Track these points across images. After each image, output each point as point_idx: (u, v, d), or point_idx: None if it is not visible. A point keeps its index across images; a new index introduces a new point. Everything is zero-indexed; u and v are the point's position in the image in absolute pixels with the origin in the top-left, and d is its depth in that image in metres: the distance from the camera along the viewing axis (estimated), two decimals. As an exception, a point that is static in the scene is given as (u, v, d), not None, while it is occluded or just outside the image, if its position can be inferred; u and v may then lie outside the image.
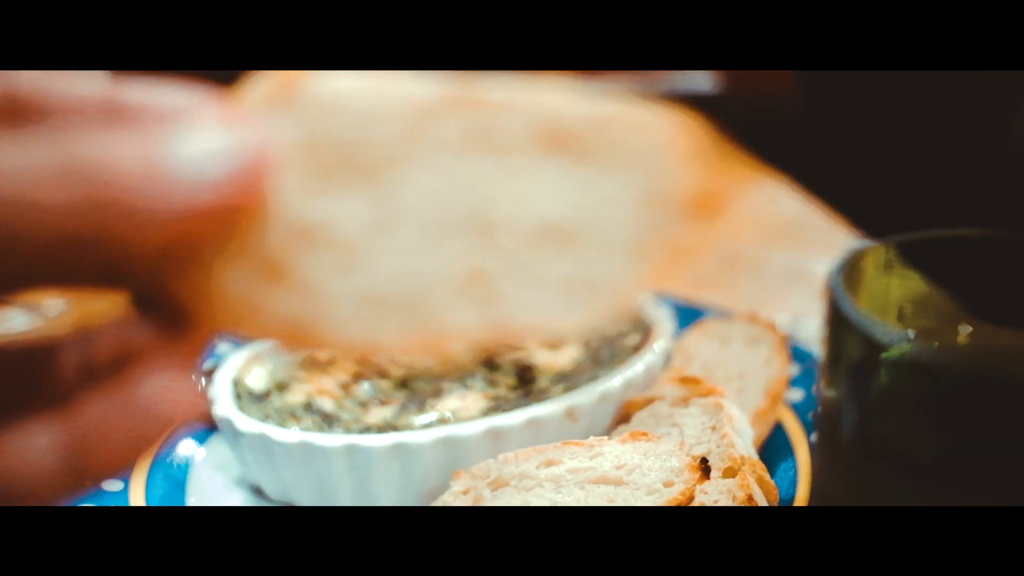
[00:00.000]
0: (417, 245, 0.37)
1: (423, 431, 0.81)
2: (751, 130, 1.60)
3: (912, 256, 0.60)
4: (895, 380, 0.53)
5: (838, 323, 0.55)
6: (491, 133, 0.38)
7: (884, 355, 0.52)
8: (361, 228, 0.37)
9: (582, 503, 0.72)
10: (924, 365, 0.52)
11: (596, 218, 0.39)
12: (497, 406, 0.84)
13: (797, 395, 0.91)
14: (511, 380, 0.88)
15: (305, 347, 0.42)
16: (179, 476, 0.88)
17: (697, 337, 0.95)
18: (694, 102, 1.60)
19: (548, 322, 0.38)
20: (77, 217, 0.32)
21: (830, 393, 0.57)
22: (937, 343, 0.53)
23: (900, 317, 0.61)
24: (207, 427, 0.92)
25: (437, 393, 0.87)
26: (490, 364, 0.90)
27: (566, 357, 0.91)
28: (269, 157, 0.36)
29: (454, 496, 0.78)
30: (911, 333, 0.54)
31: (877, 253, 0.59)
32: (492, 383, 0.87)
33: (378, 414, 0.85)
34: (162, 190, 0.33)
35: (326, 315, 0.38)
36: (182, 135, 0.34)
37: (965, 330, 0.60)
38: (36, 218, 0.32)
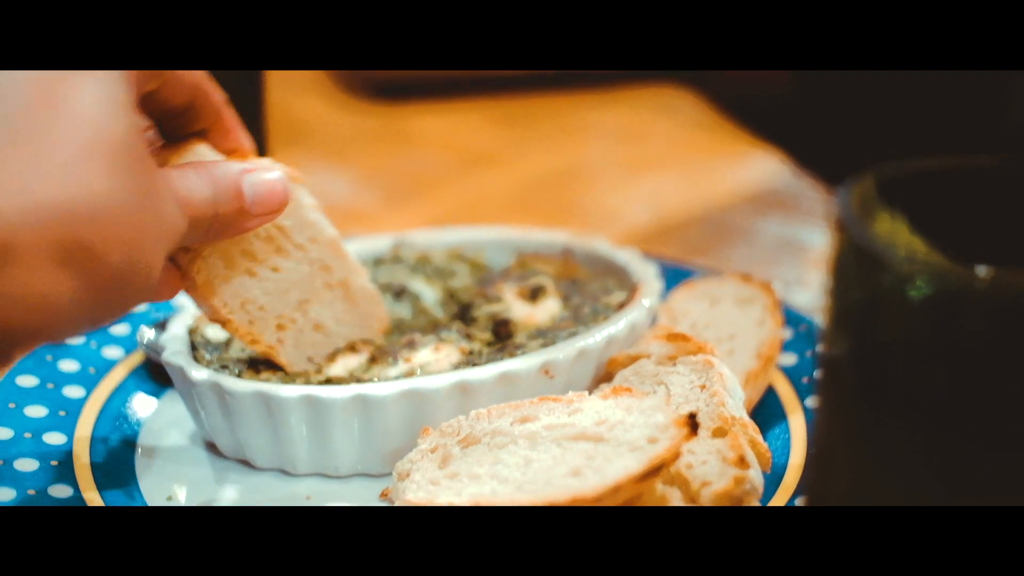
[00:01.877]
0: None
1: (386, 383, 0.75)
2: (744, 102, 1.56)
3: (906, 193, 0.54)
4: (914, 320, 0.48)
5: (853, 258, 0.49)
6: None
7: (915, 290, 0.46)
8: None
9: (559, 461, 0.66)
10: (954, 302, 0.46)
11: None
12: (470, 361, 0.79)
13: (790, 359, 0.86)
14: (487, 335, 0.82)
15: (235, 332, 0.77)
16: (129, 433, 0.82)
17: (685, 296, 0.89)
18: (689, 78, 1.56)
19: None
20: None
21: (835, 340, 0.51)
22: (962, 279, 0.47)
23: (912, 257, 0.55)
24: (159, 382, 0.86)
25: (410, 345, 0.81)
26: (465, 317, 0.85)
27: (545, 312, 0.85)
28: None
29: (421, 454, 0.72)
30: (934, 268, 0.48)
31: (878, 196, 0.54)
32: (468, 337, 0.82)
33: (344, 365, 0.79)
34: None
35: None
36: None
37: (982, 270, 0.54)
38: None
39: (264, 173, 0.68)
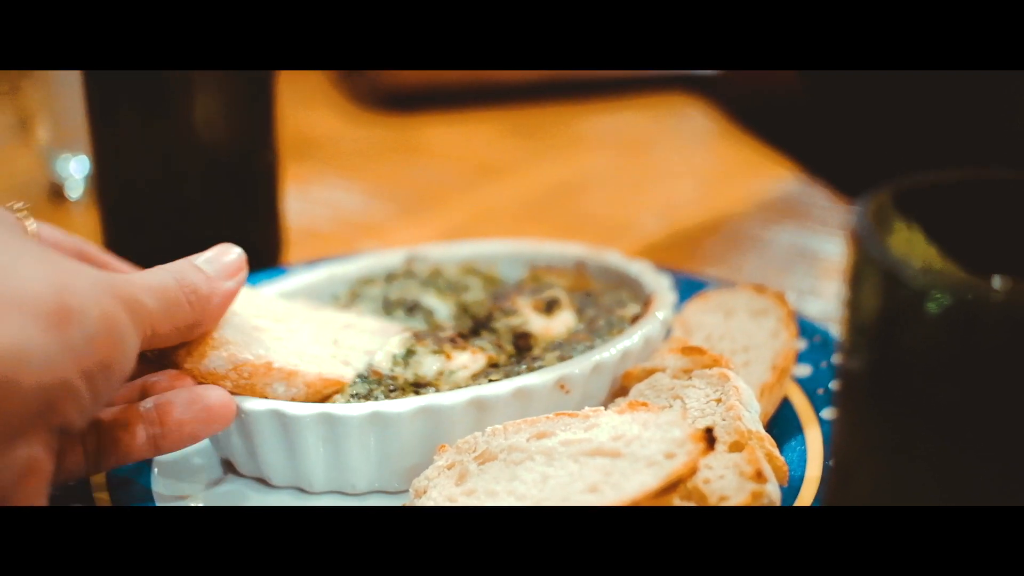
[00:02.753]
0: None
1: (402, 400, 0.75)
2: (755, 111, 1.56)
3: (929, 208, 0.54)
4: (932, 334, 0.47)
5: (870, 272, 0.49)
6: None
7: (932, 303, 0.46)
8: None
9: (576, 477, 0.66)
10: (971, 315, 0.46)
11: None
12: (489, 373, 0.79)
13: (804, 371, 0.86)
14: (509, 347, 0.82)
15: None
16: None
17: (699, 308, 0.89)
18: (700, 87, 1.56)
19: None
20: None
21: (854, 353, 0.51)
22: (979, 293, 0.47)
23: (928, 270, 0.55)
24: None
25: (453, 342, 0.82)
26: (482, 330, 0.84)
27: (560, 325, 0.85)
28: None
29: (437, 471, 0.72)
30: (950, 283, 0.48)
31: (894, 209, 0.53)
32: (497, 346, 0.82)
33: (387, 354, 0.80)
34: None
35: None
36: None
37: (999, 282, 0.54)
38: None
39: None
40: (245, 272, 0.73)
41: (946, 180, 0.54)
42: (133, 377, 0.71)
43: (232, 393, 0.73)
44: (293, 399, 0.75)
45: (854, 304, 0.51)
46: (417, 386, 0.79)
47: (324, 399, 0.77)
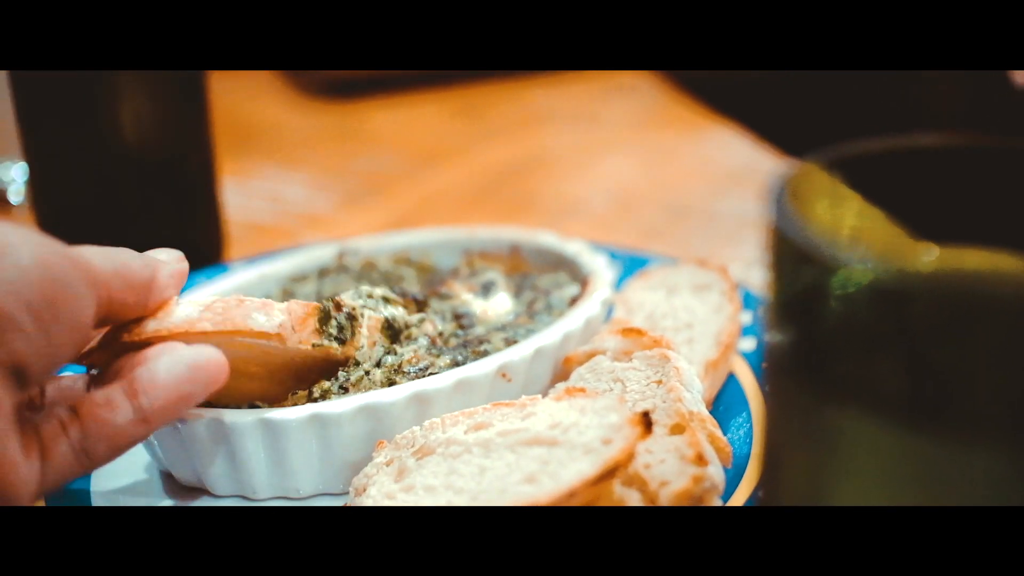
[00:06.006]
0: None
1: (341, 400, 0.73)
2: (701, 77, 1.54)
3: (858, 175, 0.53)
4: (853, 311, 0.46)
5: (784, 250, 0.48)
6: None
7: (840, 282, 0.45)
8: None
9: (513, 467, 0.65)
10: (889, 291, 0.45)
11: None
12: (435, 351, 0.78)
13: (751, 344, 0.85)
14: (451, 324, 0.81)
15: None
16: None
17: (641, 286, 0.88)
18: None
19: None
20: None
21: (778, 333, 0.50)
22: (900, 267, 0.46)
23: (852, 243, 0.54)
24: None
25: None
26: (424, 308, 0.83)
27: (498, 307, 0.83)
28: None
29: (377, 468, 0.71)
30: (869, 257, 0.46)
31: (820, 174, 0.52)
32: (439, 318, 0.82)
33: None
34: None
35: None
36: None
37: (928, 252, 0.53)
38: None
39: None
40: (187, 266, 0.71)
41: (880, 146, 0.53)
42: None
43: (213, 335, 0.69)
44: (280, 327, 0.70)
45: (772, 283, 0.50)
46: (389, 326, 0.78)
47: (308, 328, 0.73)
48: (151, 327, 0.68)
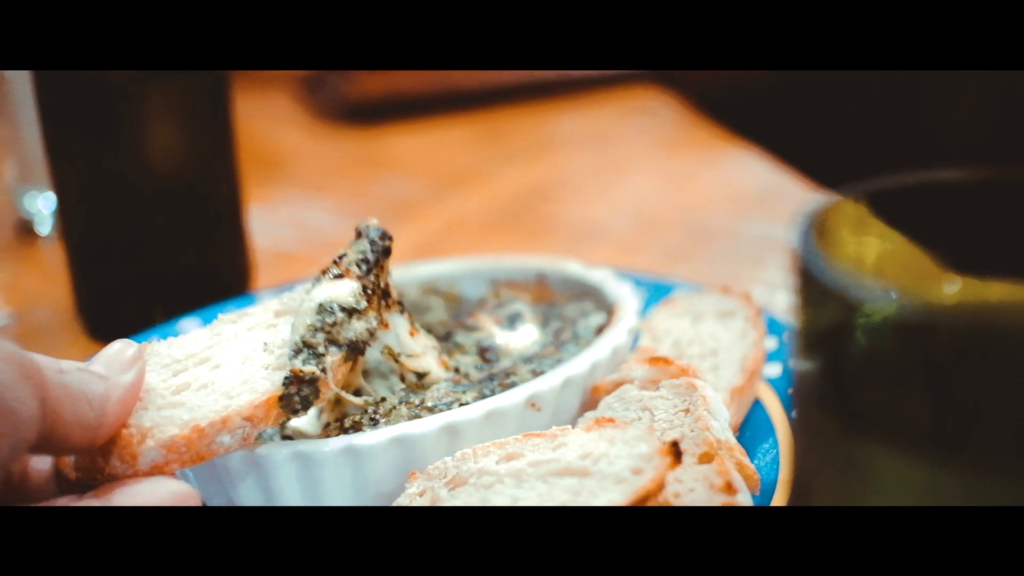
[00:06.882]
0: None
1: (374, 432, 0.74)
2: (724, 102, 1.55)
3: (885, 209, 0.54)
4: (877, 345, 0.47)
5: (810, 286, 0.49)
6: None
7: (864, 317, 0.46)
8: None
9: (545, 498, 0.66)
10: (911, 325, 0.45)
11: None
12: (458, 389, 0.79)
13: (775, 370, 0.86)
14: (474, 357, 0.82)
15: None
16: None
17: (667, 313, 0.89)
18: (666, 80, 1.55)
19: None
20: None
21: (805, 365, 0.51)
22: (922, 301, 0.47)
23: (878, 277, 0.55)
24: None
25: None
26: (449, 342, 0.84)
27: (524, 339, 0.84)
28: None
29: (409, 499, 0.72)
30: (893, 291, 0.47)
31: (847, 208, 0.53)
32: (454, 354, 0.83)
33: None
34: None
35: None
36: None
37: (951, 286, 0.54)
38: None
39: None
40: (142, 363, 0.69)
41: (906, 181, 0.54)
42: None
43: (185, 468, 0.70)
44: (245, 440, 0.71)
45: (801, 314, 0.51)
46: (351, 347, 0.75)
47: (273, 415, 0.72)
48: (118, 472, 0.67)
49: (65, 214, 1.06)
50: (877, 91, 1.42)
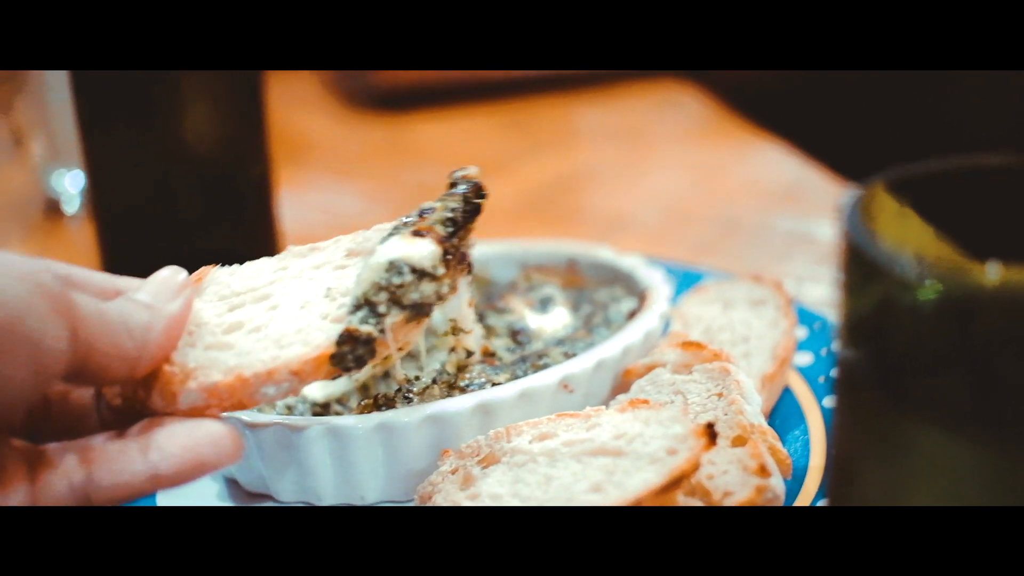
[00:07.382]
0: None
1: (407, 410, 0.75)
2: (748, 92, 1.55)
3: (922, 193, 0.54)
4: (922, 326, 0.48)
5: (858, 264, 0.49)
6: None
7: (910, 297, 0.46)
8: None
9: (579, 477, 0.66)
10: (957, 307, 0.46)
11: None
12: (492, 370, 0.79)
13: (805, 359, 0.86)
14: (506, 340, 0.83)
15: None
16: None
17: (698, 300, 0.89)
18: (694, 74, 1.55)
19: None
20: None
21: (850, 347, 0.51)
22: (968, 282, 0.47)
23: (920, 260, 0.55)
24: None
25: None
26: (481, 322, 0.85)
27: (555, 322, 0.85)
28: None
29: (442, 476, 0.72)
30: (938, 272, 0.48)
31: (888, 193, 0.53)
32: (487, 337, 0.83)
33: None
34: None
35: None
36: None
37: (994, 269, 0.54)
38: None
39: None
40: (190, 291, 0.66)
41: (942, 167, 0.54)
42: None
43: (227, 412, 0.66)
44: (291, 389, 0.66)
45: (846, 297, 0.51)
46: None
47: (323, 371, 0.66)
48: (158, 407, 0.64)
49: (96, 193, 1.07)
50: (905, 86, 1.42)
